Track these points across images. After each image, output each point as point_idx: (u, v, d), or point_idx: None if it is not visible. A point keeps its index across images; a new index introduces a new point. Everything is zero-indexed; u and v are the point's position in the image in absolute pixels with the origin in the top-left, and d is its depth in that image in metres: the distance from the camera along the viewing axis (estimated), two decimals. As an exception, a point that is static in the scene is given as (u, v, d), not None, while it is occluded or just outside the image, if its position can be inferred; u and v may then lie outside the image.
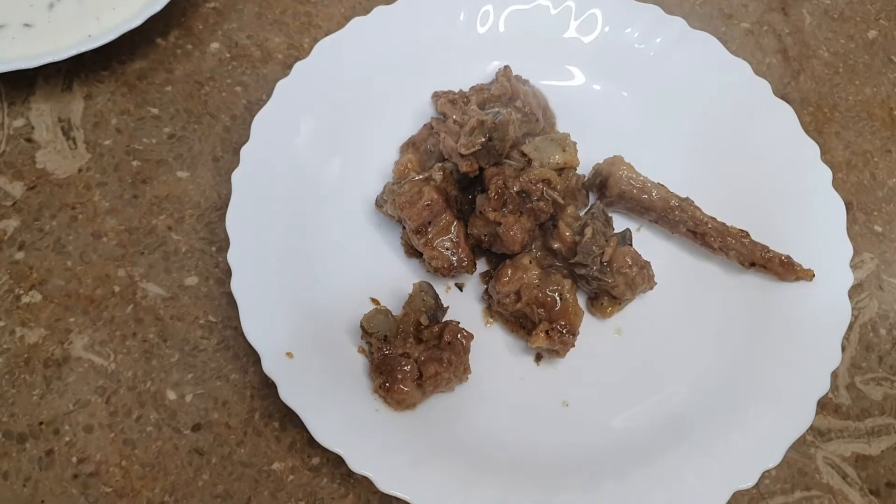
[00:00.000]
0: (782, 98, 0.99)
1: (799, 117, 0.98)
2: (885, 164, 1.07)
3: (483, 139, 0.87)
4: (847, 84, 1.14)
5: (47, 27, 1.01)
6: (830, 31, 1.19)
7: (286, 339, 0.82)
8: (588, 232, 0.85)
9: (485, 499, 0.76)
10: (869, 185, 1.05)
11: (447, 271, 0.88)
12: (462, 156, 0.88)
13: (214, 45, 1.08)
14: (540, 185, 0.86)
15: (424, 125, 0.99)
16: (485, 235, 0.87)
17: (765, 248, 0.90)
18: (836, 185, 0.95)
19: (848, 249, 0.90)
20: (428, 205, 0.86)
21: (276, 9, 1.12)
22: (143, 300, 0.90)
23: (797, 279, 0.89)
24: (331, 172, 0.95)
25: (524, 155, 0.90)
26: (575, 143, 0.92)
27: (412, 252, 0.92)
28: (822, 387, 0.83)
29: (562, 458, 0.82)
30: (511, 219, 0.85)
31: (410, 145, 0.97)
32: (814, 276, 0.89)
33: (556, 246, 0.87)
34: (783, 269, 0.89)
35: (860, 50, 1.17)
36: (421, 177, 0.89)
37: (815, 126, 1.09)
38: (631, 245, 0.89)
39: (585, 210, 0.92)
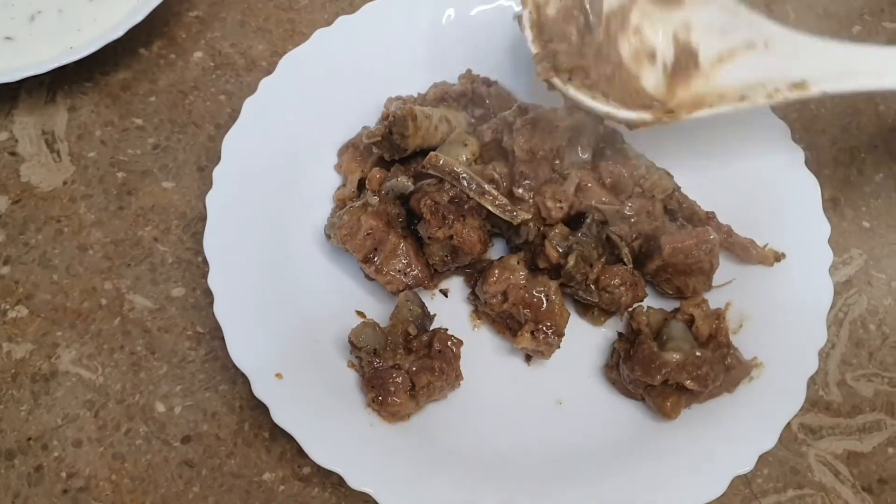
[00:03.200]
0: (768, 96, 0.99)
1: (785, 114, 0.99)
2: (871, 159, 1.07)
3: (383, 130, 0.88)
4: (832, 80, 1.14)
5: (28, 40, 1.00)
6: (815, 28, 1.19)
7: (274, 359, 0.81)
8: (571, 260, 0.85)
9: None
10: (856, 180, 1.05)
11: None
12: (368, 146, 0.91)
13: (198, 55, 1.08)
14: (455, 170, 0.86)
15: (363, 127, 0.98)
16: (446, 256, 0.87)
17: (728, 231, 0.91)
18: (823, 181, 0.95)
19: (825, 227, 0.90)
20: (369, 233, 0.86)
21: (259, 17, 1.12)
22: (130, 312, 0.90)
23: (759, 263, 0.90)
24: (306, 187, 0.94)
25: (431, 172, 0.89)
26: (471, 134, 0.92)
27: (370, 277, 0.90)
28: (811, 365, 0.83)
29: (560, 456, 0.82)
30: (458, 226, 0.85)
31: (349, 147, 0.97)
32: (773, 262, 0.90)
33: (542, 266, 0.87)
34: (744, 252, 0.90)
35: (845, 45, 1.17)
36: (358, 204, 0.88)
37: (801, 123, 1.09)
38: (626, 262, 0.88)
39: (584, 224, 0.88)
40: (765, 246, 0.91)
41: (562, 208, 0.87)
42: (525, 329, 0.84)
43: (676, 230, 0.89)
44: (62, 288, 0.91)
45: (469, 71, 1.02)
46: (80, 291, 0.91)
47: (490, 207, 0.86)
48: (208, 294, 0.90)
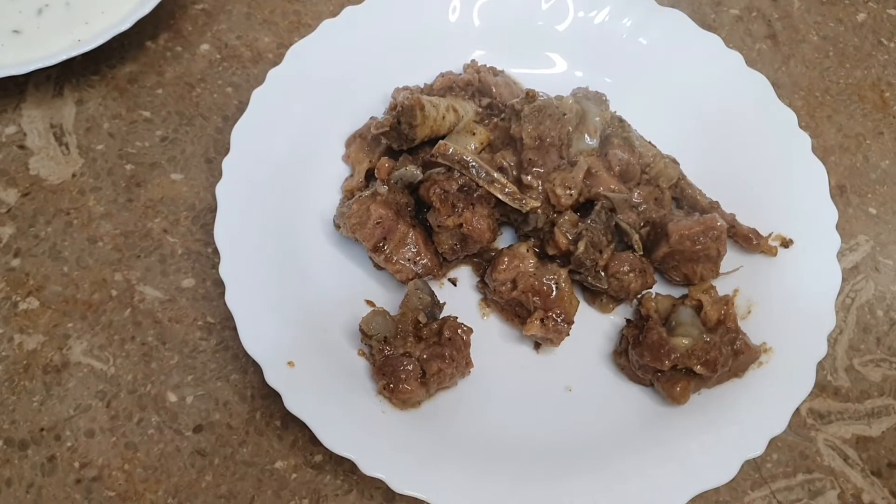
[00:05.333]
0: (774, 84, 1.00)
1: (790, 102, 0.99)
2: (877, 146, 1.07)
3: (392, 120, 0.89)
4: (837, 67, 1.14)
5: (36, 33, 1.00)
6: (819, 15, 1.19)
7: (286, 348, 0.82)
8: (581, 246, 0.85)
9: (497, 489, 0.77)
10: (862, 167, 1.06)
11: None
12: (375, 136, 0.91)
13: (204, 47, 1.08)
14: (464, 158, 0.87)
15: (370, 118, 0.98)
16: (455, 245, 0.87)
17: (732, 220, 0.92)
18: (830, 168, 0.96)
19: (832, 213, 0.91)
20: (378, 222, 0.86)
21: (265, 9, 1.12)
22: (140, 303, 0.90)
23: (762, 252, 0.91)
24: (314, 177, 0.95)
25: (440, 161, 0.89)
26: (480, 124, 0.93)
27: (379, 266, 0.91)
28: (820, 350, 0.84)
29: (569, 441, 0.82)
30: (468, 214, 0.85)
31: (356, 137, 0.97)
32: (776, 252, 0.91)
33: (551, 253, 0.87)
34: (747, 242, 0.91)
35: (849, 33, 1.18)
36: (367, 193, 0.88)
37: (806, 110, 1.09)
38: (635, 249, 0.89)
39: (593, 211, 0.89)
40: (769, 235, 0.91)
41: (571, 195, 0.87)
42: (535, 316, 0.84)
43: (684, 217, 0.90)
44: (73, 280, 0.91)
45: (474, 61, 1.02)
46: (91, 283, 0.91)
47: (499, 195, 0.86)
48: (218, 284, 0.91)
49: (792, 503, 0.84)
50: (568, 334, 0.85)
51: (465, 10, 1.04)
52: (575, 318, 0.86)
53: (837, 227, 0.91)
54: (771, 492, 0.84)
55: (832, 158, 1.05)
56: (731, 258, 0.91)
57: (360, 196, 0.88)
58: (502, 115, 0.93)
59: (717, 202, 0.93)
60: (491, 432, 0.82)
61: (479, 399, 0.85)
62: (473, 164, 0.86)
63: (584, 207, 0.90)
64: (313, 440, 0.79)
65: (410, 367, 0.81)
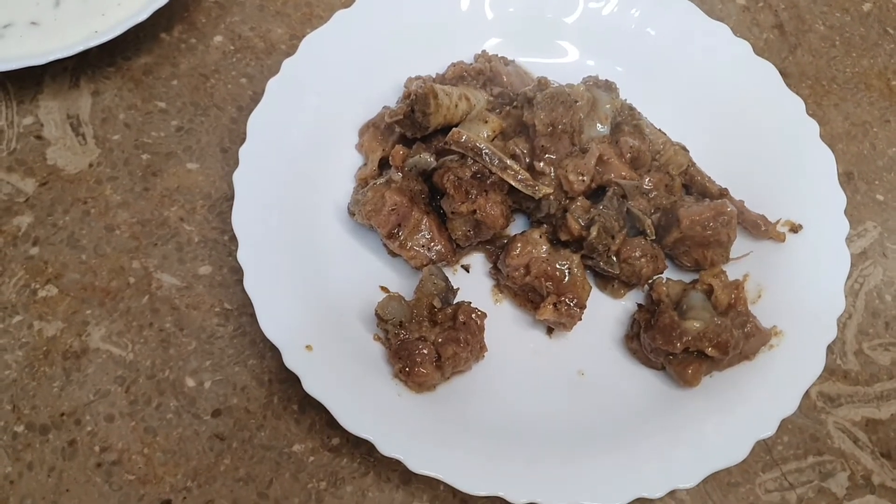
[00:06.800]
0: (781, 73, 1.01)
1: (797, 91, 1.00)
2: (884, 133, 1.08)
3: (405, 108, 0.90)
4: (844, 57, 1.15)
5: (54, 24, 1.01)
6: (825, 5, 1.20)
7: (304, 332, 0.83)
8: (593, 232, 0.86)
9: (512, 470, 0.78)
10: (869, 154, 1.07)
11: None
12: (389, 125, 0.92)
13: (218, 39, 1.10)
14: (477, 145, 0.87)
15: (383, 107, 0.99)
16: (468, 231, 0.88)
17: (741, 207, 0.93)
18: (837, 156, 0.97)
19: (841, 198, 0.93)
20: (393, 209, 0.87)
21: (277, 0, 1.13)
22: (158, 290, 0.91)
23: (770, 239, 0.92)
24: (328, 166, 0.96)
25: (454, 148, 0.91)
26: (491, 112, 0.94)
27: (393, 252, 0.92)
28: (830, 333, 0.85)
29: (582, 424, 0.83)
30: (481, 200, 0.86)
31: (370, 126, 0.98)
32: (784, 238, 0.92)
33: (564, 239, 0.89)
34: (755, 229, 0.92)
35: (856, 22, 1.19)
36: (382, 180, 0.90)
37: (813, 99, 1.10)
38: (647, 235, 0.90)
39: (605, 198, 0.90)
40: (777, 222, 0.93)
41: (583, 181, 0.88)
42: (548, 301, 0.85)
43: (694, 203, 0.91)
44: (91, 267, 0.92)
45: (485, 51, 1.03)
46: (109, 271, 0.92)
47: (512, 182, 0.87)
48: (235, 272, 0.92)
49: (803, 484, 0.85)
50: (580, 319, 0.86)
51: (476, 0, 1.05)
52: (587, 303, 0.87)
53: (846, 213, 0.92)
54: (782, 473, 0.85)
55: (839, 146, 1.06)
56: (741, 245, 0.92)
57: (375, 183, 0.89)
58: (514, 103, 0.94)
59: (726, 189, 0.95)
60: (505, 415, 0.84)
61: (494, 383, 0.86)
62: (486, 151, 0.88)
63: (595, 194, 0.91)
64: (330, 423, 0.80)
65: (426, 351, 0.82)
